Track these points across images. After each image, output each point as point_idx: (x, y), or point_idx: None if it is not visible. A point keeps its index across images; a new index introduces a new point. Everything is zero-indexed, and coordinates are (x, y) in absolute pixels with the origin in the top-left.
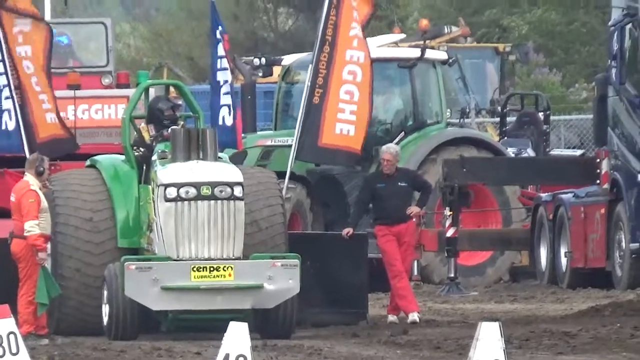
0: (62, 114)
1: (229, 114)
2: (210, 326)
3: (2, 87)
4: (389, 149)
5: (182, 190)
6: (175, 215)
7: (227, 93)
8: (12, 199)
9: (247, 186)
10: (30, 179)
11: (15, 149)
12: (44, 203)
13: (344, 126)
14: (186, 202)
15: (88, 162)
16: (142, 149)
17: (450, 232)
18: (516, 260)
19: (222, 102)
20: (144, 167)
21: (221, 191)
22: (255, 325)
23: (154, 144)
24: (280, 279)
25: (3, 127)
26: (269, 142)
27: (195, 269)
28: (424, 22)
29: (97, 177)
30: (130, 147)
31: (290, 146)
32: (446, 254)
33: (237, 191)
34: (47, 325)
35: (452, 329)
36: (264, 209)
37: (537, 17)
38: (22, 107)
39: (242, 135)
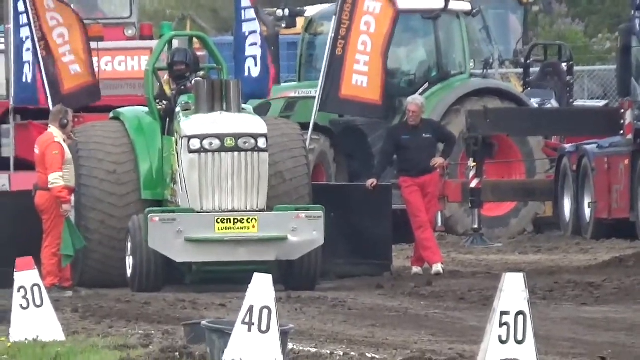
0: None
1: (255, 65)
2: (234, 278)
3: (24, 39)
4: (414, 100)
5: (206, 142)
6: (199, 167)
7: (253, 44)
8: (36, 151)
9: (271, 138)
10: (54, 131)
11: (32, 101)
12: (68, 155)
13: (359, 77)
14: (210, 154)
15: (111, 115)
16: (164, 102)
17: (474, 183)
18: (540, 211)
19: (247, 54)
20: (167, 119)
21: (245, 142)
22: (279, 276)
23: (176, 96)
24: (304, 230)
25: (24, 80)
26: (292, 94)
27: (219, 220)
28: None
29: (120, 129)
30: (153, 99)
31: (313, 97)
32: (470, 205)
33: (261, 142)
34: (71, 277)
35: (476, 280)
36: (288, 160)
37: None
38: (46, 59)
39: None
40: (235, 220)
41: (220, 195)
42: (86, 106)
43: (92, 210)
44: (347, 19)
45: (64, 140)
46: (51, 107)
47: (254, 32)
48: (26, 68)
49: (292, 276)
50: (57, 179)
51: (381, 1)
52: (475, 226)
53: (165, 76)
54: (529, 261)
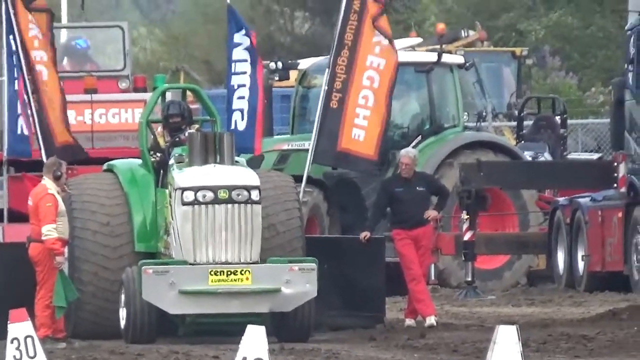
0: (79, 118)
1: (242, 119)
2: (227, 330)
3: (17, 91)
4: (407, 153)
5: (200, 194)
6: (193, 219)
7: (241, 97)
8: (30, 202)
9: (264, 190)
10: (48, 183)
11: (26, 154)
12: (62, 207)
13: (357, 131)
14: (203, 206)
15: (105, 167)
16: (158, 154)
17: (467, 236)
18: (533, 264)
19: (235, 107)
20: (161, 171)
21: (238, 195)
22: (272, 329)
23: (169, 148)
24: (298, 282)
25: (19, 132)
26: (285, 146)
27: (212, 272)
28: (441, 26)
29: (114, 181)
30: (147, 151)
31: (307, 150)
32: (463, 258)
33: (254, 195)
34: (64, 328)
35: (470, 333)
36: (281, 213)
37: (553, 21)
38: (39, 112)
39: None
40: (229, 273)
41: (214, 248)
42: (75, 160)
43: (85, 262)
44: (342, 73)
45: (58, 193)
46: (45, 160)
47: (243, 85)
48: (20, 120)
49: (285, 328)
50: (51, 231)
51: (385, 57)
52: (469, 279)
53: (159, 128)
54: (522, 314)
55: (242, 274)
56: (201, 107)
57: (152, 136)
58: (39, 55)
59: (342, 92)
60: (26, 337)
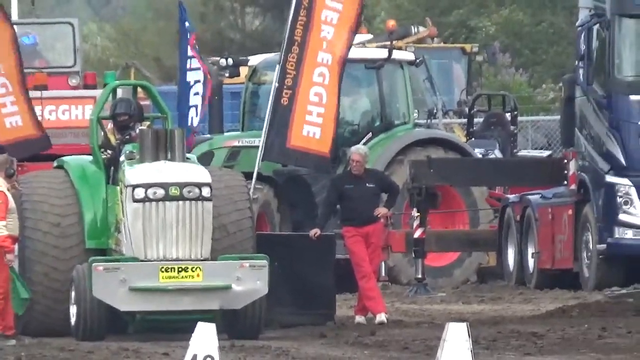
0: None
1: (196, 115)
2: (178, 327)
3: None
4: (357, 150)
5: (150, 191)
6: (143, 216)
7: (196, 93)
8: None
9: (215, 189)
10: None
11: None
12: (12, 204)
13: (311, 128)
14: (154, 203)
15: (55, 163)
16: (109, 151)
17: (417, 233)
18: (484, 261)
19: (191, 103)
20: (112, 168)
21: (189, 192)
22: (223, 325)
23: (120, 145)
24: (249, 279)
25: None
26: (236, 143)
27: (163, 269)
28: (391, 23)
29: (65, 179)
30: (97, 148)
31: (257, 147)
32: (414, 255)
33: (205, 192)
34: (14, 325)
35: (420, 330)
36: (232, 212)
37: (504, 17)
38: None
39: (209, 136)
40: (180, 269)
41: (165, 244)
42: (31, 155)
43: (36, 263)
44: (292, 69)
45: (8, 189)
46: None
47: (198, 81)
48: None
49: (236, 325)
50: (1, 228)
51: (331, 52)
52: (419, 276)
53: (109, 125)
54: (473, 311)
55: (193, 271)
56: (152, 104)
57: (102, 133)
58: None
59: (292, 88)
60: None
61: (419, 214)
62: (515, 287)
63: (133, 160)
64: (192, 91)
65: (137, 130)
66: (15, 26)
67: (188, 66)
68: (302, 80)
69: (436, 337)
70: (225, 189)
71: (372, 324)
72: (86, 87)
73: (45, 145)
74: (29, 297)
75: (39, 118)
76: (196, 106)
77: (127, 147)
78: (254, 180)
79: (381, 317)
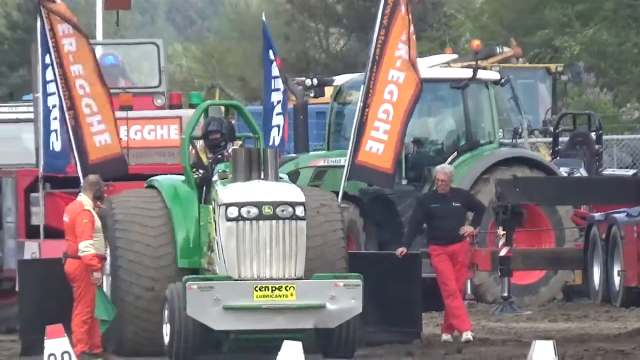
0: None
1: (278, 134)
2: (271, 346)
3: (51, 108)
4: (443, 169)
5: (244, 210)
6: (237, 235)
7: (279, 114)
8: (65, 219)
9: (308, 207)
10: (84, 200)
11: (60, 170)
12: (98, 223)
13: (374, 144)
14: (248, 222)
15: (147, 183)
16: (200, 170)
17: (503, 252)
18: (569, 279)
19: (273, 123)
20: (204, 188)
21: (283, 211)
22: (317, 345)
23: (212, 165)
24: (343, 298)
25: (50, 148)
26: (321, 163)
27: (257, 288)
28: (476, 43)
29: (157, 198)
30: (189, 168)
31: (342, 166)
32: (499, 273)
33: (299, 211)
34: (100, 344)
35: (506, 348)
36: (325, 231)
37: (588, 37)
38: (75, 129)
39: (295, 155)
40: (274, 288)
41: (258, 263)
42: (112, 177)
43: (130, 285)
44: (372, 88)
45: (93, 208)
46: (81, 177)
47: (280, 101)
48: (53, 137)
49: (330, 344)
50: (88, 247)
51: (405, 71)
52: (505, 294)
53: (198, 144)
54: (559, 329)
55: (287, 290)
56: (245, 123)
57: (194, 152)
58: (77, 69)
59: (369, 106)
60: (63, 352)
61: (504, 232)
62: (601, 305)
63: (226, 179)
64: (275, 111)
65: (230, 150)
66: (100, 46)
67: (272, 86)
68: (375, 97)
69: (522, 355)
70: (318, 207)
71: (458, 342)
72: (171, 107)
73: (122, 168)
74: (109, 319)
75: (125, 138)
76: (279, 126)
77: (220, 166)
78: (339, 199)
79: (467, 335)
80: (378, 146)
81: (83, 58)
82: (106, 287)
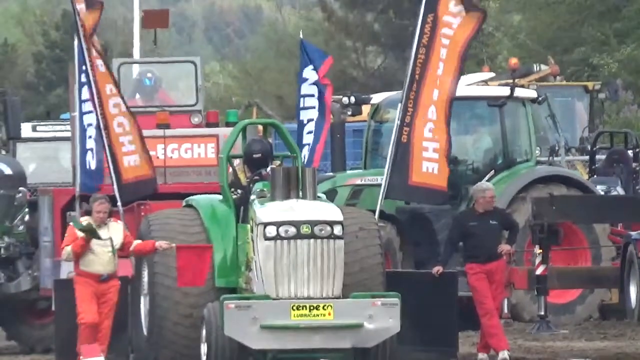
0: (151, 153)
1: (308, 153)
2: None
3: (86, 126)
4: (489, 187)
5: (282, 229)
6: (275, 254)
7: (310, 132)
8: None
9: (346, 226)
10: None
11: (93, 189)
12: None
13: (429, 164)
14: (285, 241)
15: (185, 202)
16: (239, 190)
17: (540, 270)
18: (606, 298)
19: (304, 142)
20: (242, 207)
21: (321, 230)
22: None
23: (250, 184)
24: (381, 317)
25: (87, 167)
26: (358, 181)
27: (294, 307)
28: (514, 61)
29: (195, 217)
30: (227, 187)
31: (379, 185)
32: (536, 292)
33: (337, 230)
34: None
35: None
36: (363, 250)
37: (626, 55)
38: (110, 148)
39: (332, 174)
40: (311, 307)
41: (296, 283)
42: (142, 197)
43: (167, 311)
44: (411, 107)
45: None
46: (117, 196)
47: (312, 120)
48: (89, 155)
49: None
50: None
51: (439, 88)
52: (542, 313)
53: (236, 162)
54: (595, 348)
55: (325, 309)
56: (283, 142)
57: (232, 172)
58: (109, 88)
59: (410, 125)
60: None
61: (541, 250)
62: (638, 324)
63: (264, 198)
64: (306, 130)
65: (268, 169)
66: (138, 65)
67: (302, 105)
68: (418, 116)
69: None
70: (356, 226)
71: None
72: (208, 125)
73: (152, 188)
74: None
75: (162, 156)
76: (309, 144)
77: (258, 186)
78: (376, 218)
79: (504, 354)
80: (433, 165)
81: (109, 79)
82: (143, 311)
